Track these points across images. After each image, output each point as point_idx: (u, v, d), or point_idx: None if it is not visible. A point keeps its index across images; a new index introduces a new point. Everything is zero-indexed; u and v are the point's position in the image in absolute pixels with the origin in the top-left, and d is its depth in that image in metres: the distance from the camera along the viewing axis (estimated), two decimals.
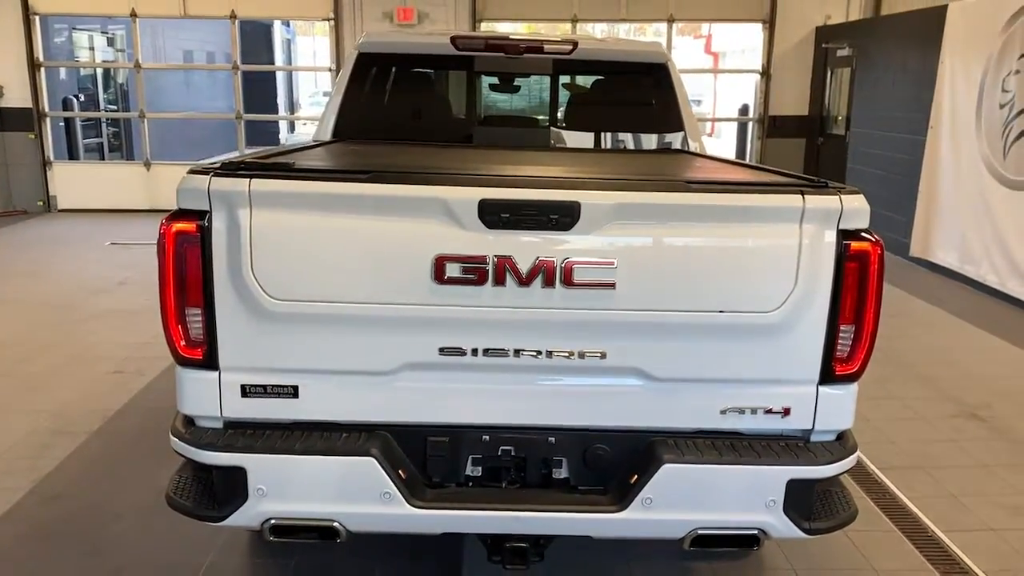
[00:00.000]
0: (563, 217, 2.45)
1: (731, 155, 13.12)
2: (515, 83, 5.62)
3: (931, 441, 4.86)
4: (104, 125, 15.65)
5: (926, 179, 9.25)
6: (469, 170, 3.06)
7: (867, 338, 2.60)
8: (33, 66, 12.38)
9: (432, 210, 2.46)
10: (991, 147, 8.19)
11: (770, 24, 12.63)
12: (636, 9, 12.68)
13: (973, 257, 8.44)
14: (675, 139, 4.83)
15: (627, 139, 5.18)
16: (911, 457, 4.62)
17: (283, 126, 21.73)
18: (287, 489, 2.57)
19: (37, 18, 12.42)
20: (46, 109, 12.70)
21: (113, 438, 4.71)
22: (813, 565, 3.55)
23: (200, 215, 2.46)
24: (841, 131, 11.73)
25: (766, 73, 12.81)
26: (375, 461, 2.53)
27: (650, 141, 5.06)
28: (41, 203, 12.73)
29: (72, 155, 13.77)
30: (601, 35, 13.59)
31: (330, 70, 12.90)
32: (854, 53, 11.31)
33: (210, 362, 2.56)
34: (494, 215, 2.44)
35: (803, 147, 12.83)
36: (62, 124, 13.51)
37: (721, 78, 22.44)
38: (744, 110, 13.71)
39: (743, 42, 17.85)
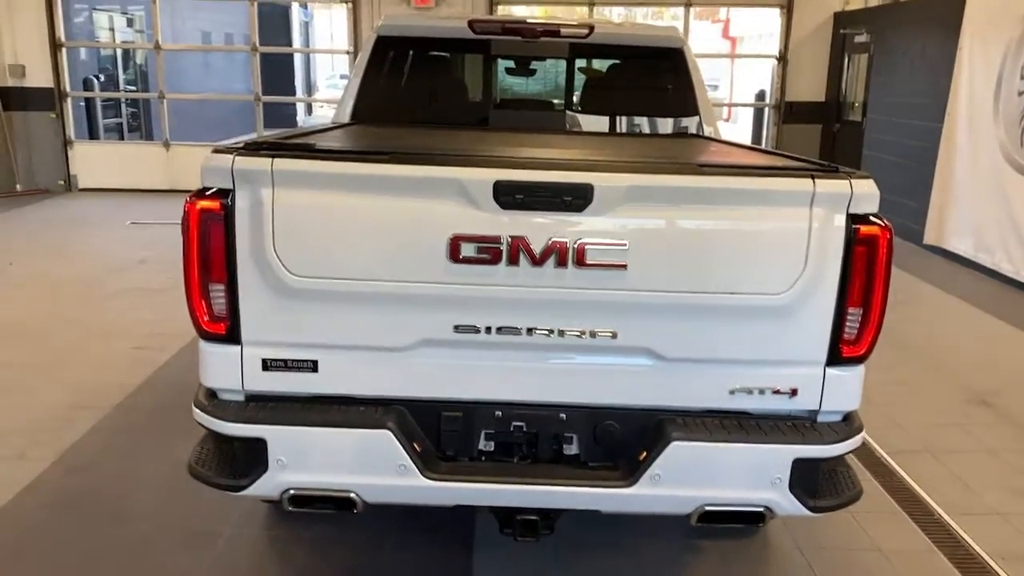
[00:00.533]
0: (576, 199, 2.50)
1: (747, 141, 13.10)
2: (531, 67, 5.65)
3: (939, 426, 4.90)
4: (124, 105, 15.78)
5: (942, 166, 9.22)
6: (485, 152, 3.12)
7: (875, 321, 2.64)
8: (54, 46, 12.49)
9: (448, 191, 2.52)
10: (1008, 135, 8.15)
11: (788, 9, 12.57)
12: None
13: (988, 245, 8.42)
14: (690, 124, 4.85)
15: (642, 123, 5.21)
16: (919, 441, 4.66)
17: (300, 108, 21.81)
18: (306, 460, 2.65)
19: None
20: (67, 89, 12.81)
21: (135, 412, 4.82)
22: (819, 545, 3.61)
23: (224, 193, 2.53)
24: (858, 118, 11.68)
25: (783, 58, 12.76)
26: (391, 434, 2.60)
27: (665, 125, 5.10)
28: (62, 182, 12.87)
29: (92, 135, 13.89)
30: (618, 19, 13.57)
31: (348, 53, 12.95)
32: (872, 39, 11.25)
33: (232, 337, 2.62)
34: (509, 196, 2.49)
35: (819, 133, 12.78)
36: (82, 104, 13.63)
37: (738, 63, 22.31)
38: (761, 96, 13.66)
39: (761, 27, 17.76)
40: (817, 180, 2.54)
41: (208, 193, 2.54)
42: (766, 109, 13.35)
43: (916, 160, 9.77)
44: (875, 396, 5.11)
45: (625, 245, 2.53)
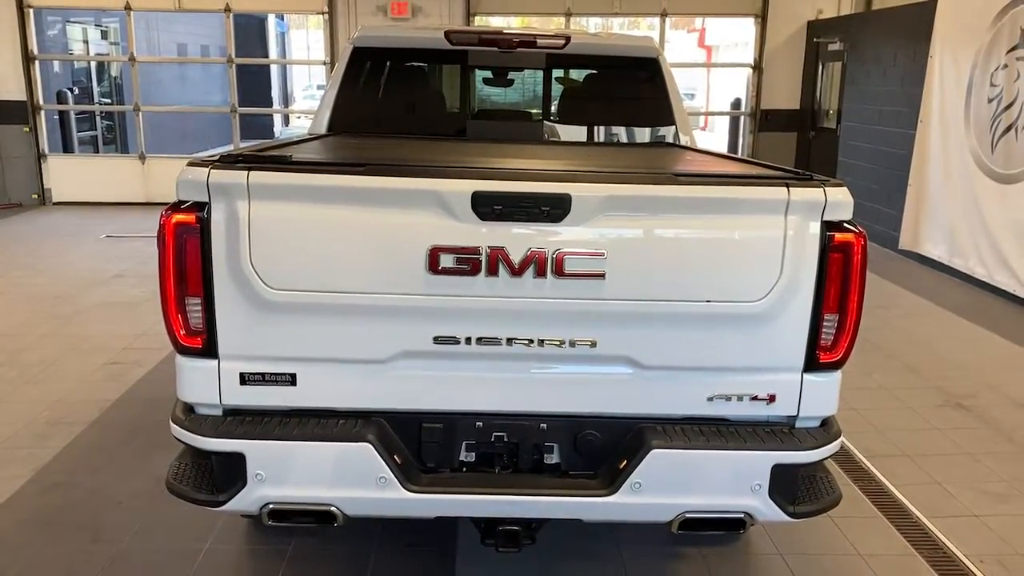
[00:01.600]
0: (554, 209, 2.51)
1: (723, 149, 13.20)
2: (508, 77, 5.67)
3: (917, 430, 4.94)
4: (98, 118, 15.66)
5: (915, 173, 9.33)
6: (462, 163, 3.12)
7: (850, 327, 2.67)
8: (27, 59, 12.37)
9: (426, 202, 2.52)
10: (979, 141, 8.27)
11: (762, 18, 12.69)
12: (629, 3, 12.74)
13: (961, 250, 8.53)
14: (666, 133, 4.89)
15: (619, 133, 5.24)
16: (897, 445, 4.70)
17: (277, 119, 21.74)
18: (285, 474, 2.63)
19: (31, 11, 12.41)
20: (40, 102, 12.69)
21: (111, 428, 4.77)
22: (799, 550, 3.63)
23: (199, 207, 2.52)
24: (832, 125, 11.80)
25: (758, 67, 12.88)
26: (371, 447, 2.59)
27: (641, 135, 5.13)
28: (36, 196, 12.73)
29: (67, 148, 13.77)
30: (595, 29, 13.65)
31: (324, 64, 12.92)
32: (845, 47, 11.38)
33: (209, 350, 2.61)
34: (487, 207, 2.50)
35: (795, 141, 12.90)
36: (56, 117, 13.51)
37: (714, 72, 22.49)
38: (736, 104, 13.77)
39: (736, 36, 17.91)
40: (791, 188, 2.57)
41: (184, 206, 2.53)
42: (742, 117, 13.45)
43: (891, 166, 9.89)
44: (853, 401, 5.15)
45: (603, 255, 2.54)
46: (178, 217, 2.52)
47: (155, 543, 3.61)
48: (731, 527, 2.81)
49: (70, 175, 12.89)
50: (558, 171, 2.79)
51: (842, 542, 3.70)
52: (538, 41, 4.73)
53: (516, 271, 2.52)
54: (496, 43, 4.69)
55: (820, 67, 12.30)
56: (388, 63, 5.08)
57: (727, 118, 14.45)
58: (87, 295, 7.64)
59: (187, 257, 2.54)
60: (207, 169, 2.50)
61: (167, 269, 2.55)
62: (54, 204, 12.77)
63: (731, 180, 2.70)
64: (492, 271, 2.52)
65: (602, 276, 2.55)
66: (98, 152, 15.43)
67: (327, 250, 2.56)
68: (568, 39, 4.72)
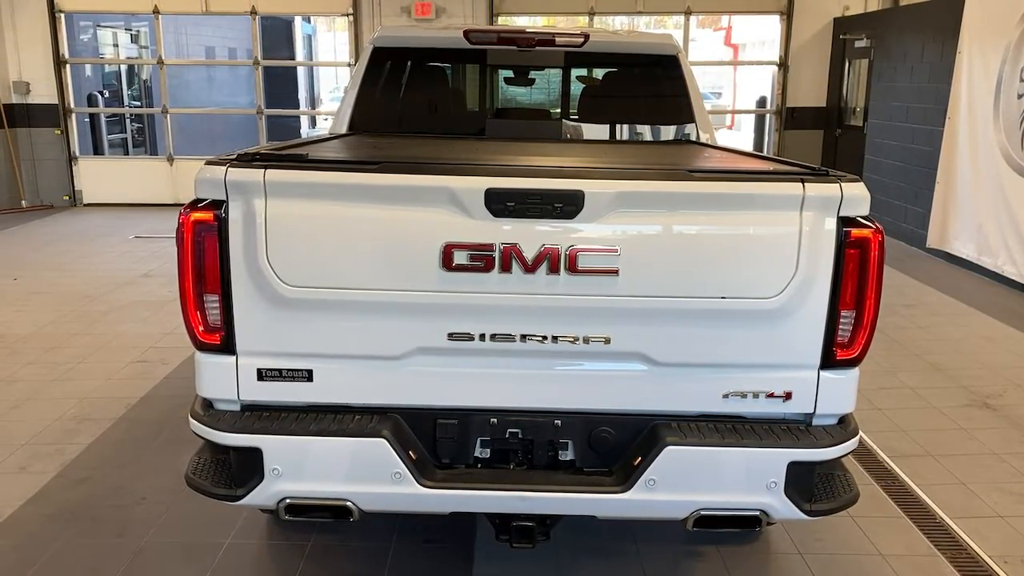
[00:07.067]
0: (567, 205, 2.52)
1: (749, 147, 13.10)
2: (528, 76, 5.68)
3: (941, 429, 4.88)
4: (128, 121, 15.87)
5: (943, 170, 9.22)
6: (477, 160, 3.14)
7: (868, 324, 2.65)
8: (59, 63, 12.58)
9: (440, 199, 2.53)
10: (1009, 137, 8.15)
11: (788, 16, 12.59)
12: (653, 2, 12.69)
13: (990, 248, 8.40)
14: (686, 130, 4.86)
15: (638, 131, 5.22)
16: (921, 445, 4.65)
17: (304, 121, 21.87)
18: (302, 469, 2.66)
19: (62, 16, 12.62)
20: (71, 105, 12.90)
21: (136, 425, 4.84)
22: (820, 549, 3.60)
23: (217, 205, 2.55)
24: (859, 122, 11.68)
25: (784, 65, 12.78)
26: (387, 442, 2.62)
27: (661, 133, 5.11)
28: (67, 197, 12.95)
29: (97, 150, 13.97)
30: (620, 27, 13.60)
31: (349, 65, 13.00)
32: (872, 44, 11.26)
33: (227, 347, 2.65)
34: (500, 204, 2.51)
35: (821, 138, 12.79)
36: (87, 120, 13.71)
37: (741, 70, 22.33)
38: (762, 102, 13.67)
39: (763, 34, 17.78)
40: (807, 184, 2.56)
41: (202, 204, 2.57)
42: (767, 115, 13.36)
43: (919, 164, 9.77)
44: (877, 400, 5.10)
45: (617, 251, 2.54)
46: (196, 215, 2.56)
47: (178, 538, 3.67)
48: (746, 524, 2.80)
49: (100, 177, 13.10)
50: (571, 168, 2.79)
51: (864, 542, 3.67)
52: (557, 39, 4.73)
53: (529, 268, 2.53)
54: (515, 42, 4.69)
55: (846, 64, 12.18)
56: (408, 63, 5.10)
57: (753, 116, 14.34)
58: (116, 295, 7.75)
59: (205, 254, 2.57)
60: (224, 168, 2.54)
61: (186, 266, 2.59)
62: (85, 205, 12.98)
63: (745, 176, 2.68)
64: (505, 268, 2.53)
65: (615, 272, 2.54)
66: (128, 154, 15.63)
67: (343, 247, 2.58)
68: (587, 37, 4.71)
